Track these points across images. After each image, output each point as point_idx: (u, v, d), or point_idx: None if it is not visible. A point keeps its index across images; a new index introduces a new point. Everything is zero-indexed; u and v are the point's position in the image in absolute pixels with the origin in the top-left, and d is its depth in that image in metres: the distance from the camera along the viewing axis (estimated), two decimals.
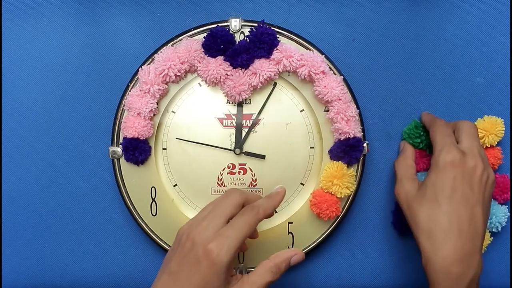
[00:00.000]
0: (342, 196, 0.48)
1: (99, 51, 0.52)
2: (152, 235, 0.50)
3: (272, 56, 0.47)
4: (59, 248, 0.54)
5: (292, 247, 0.50)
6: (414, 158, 0.49)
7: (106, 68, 0.52)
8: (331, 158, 0.49)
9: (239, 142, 0.50)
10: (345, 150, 0.48)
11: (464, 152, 0.43)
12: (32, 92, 0.52)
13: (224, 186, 0.50)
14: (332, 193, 0.48)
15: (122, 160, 0.50)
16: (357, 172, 0.50)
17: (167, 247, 0.50)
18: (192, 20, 0.51)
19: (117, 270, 0.54)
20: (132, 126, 0.48)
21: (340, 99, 0.47)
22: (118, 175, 0.50)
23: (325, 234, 0.51)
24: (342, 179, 0.48)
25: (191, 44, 0.47)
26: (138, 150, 0.48)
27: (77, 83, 0.52)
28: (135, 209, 0.50)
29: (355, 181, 0.49)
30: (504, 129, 0.50)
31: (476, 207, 0.42)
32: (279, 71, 0.48)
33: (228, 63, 0.47)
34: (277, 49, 0.47)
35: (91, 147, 0.52)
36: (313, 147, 0.50)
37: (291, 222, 0.50)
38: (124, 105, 0.49)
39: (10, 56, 0.52)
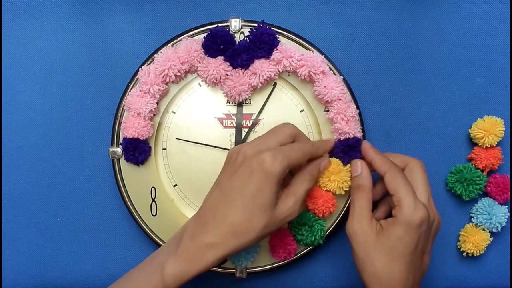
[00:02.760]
0: (343, 193, 0.47)
1: (99, 51, 0.52)
2: (152, 235, 0.50)
3: (272, 56, 0.47)
4: (59, 248, 0.54)
5: None
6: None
7: (106, 68, 0.52)
8: (330, 158, 0.49)
9: (239, 142, 0.50)
10: (345, 150, 0.48)
11: (425, 205, 0.42)
12: (32, 92, 0.52)
13: None
14: (332, 190, 0.47)
15: (122, 160, 0.50)
16: None
17: None
18: (192, 20, 0.51)
19: (117, 270, 0.54)
20: (132, 126, 0.48)
21: (340, 99, 0.47)
22: (118, 175, 0.50)
23: (325, 234, 0.51)
24: (339, 175, 0.47)
25: (191, 44, 0.47)
26: (138, 151, 0.48)
27: (77, 83, 0.52)
28: (135, 209, 0.50)
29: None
30: (504, 129, 0.50)
31: (427, 256, 0.44)
32: (279, 71, 0.48)
33: (228, 63, 0.47)
34: (277, 49, 0.47)
35: (91, 147, 0.52)
36: None
37: (291, 222, 0.50)
38: (124, 105, 0.49)
39: (10, 56, 0.52)
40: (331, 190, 0.47)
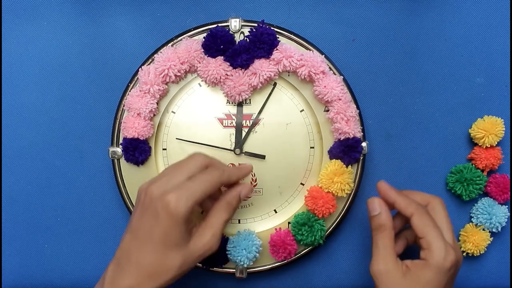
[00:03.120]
0: (344, 195, 0.48)
1: (99, 51, 0.52)
2: None
3: (272, 56, 0.47)
4: (59, 248, 0.54)
5: None
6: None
7: (106, 68, 0.52)
8: (330, 158, 0.49)
9: (239, 142, 0.50)
10: (344, 151, 0.48)
11: (453, 248, 0.42)
12: (32, 92, 0.52)
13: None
14: (333, 192, 0.48)
15: (122, 160, 0.50)
16: (357, 172, 0.50)
17: None
18: (192, 20, 0.51)
19: None
20: (132, 126, 0.48)
21: (340, 99, 0.47)
22: (118, 175, 0.50)
23: (325, 234, 0.51)
24: (342, 177, 0.47)
25: (191, 44, 0.47)
26: (138, 151, 0.48)
27: (77, 83, 0.52)
28: None
29: (354, 180, 0.49)
30: (504, 129, 0.50)
31: None
32: (279, 71, 0.48)
33: (228, 63, 0.47)
34: (277, 49, 0.47)
35: (91, 147, 0.52)
36: (313, 147, 0.50)
37: (291, 223, 0.50)
38: (124, 105, 0.49)
39: (10, 56, 0.52)
40: (333, 192, 0.47)
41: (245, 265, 0.49)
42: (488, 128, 0.50)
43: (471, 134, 0.51)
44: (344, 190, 0.47)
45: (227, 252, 0.48)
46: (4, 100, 0.52)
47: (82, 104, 0.52)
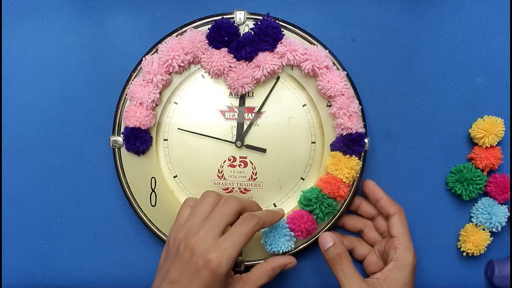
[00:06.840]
0: (349, 182, 0.48)
1: (99, 51, 0.52)
2: (151, 226, 0.50)
3: (276, 50, 0.47)
4: (59, 248, 0.54)
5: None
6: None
7: (106, 68, 0.52)
8: (332, 151, 0.49)
9: (241, 135, 0.50)
10: (348, 144, 0.48)
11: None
12: (32, 92, 0.52)
13: (225, 178, 0.50)
14: (342, 178, 0.48)
15: (123, 150, 0.50)
16: None
17: (165, 238, 0.50)
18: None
19: (117, 270, 0.54)
20: (134, 115, 0.48)
21: (343, 94, 0.47)
22: (119, 165, 0.50)
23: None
24: (349, 163, 0.48)
25: (195, 35, 0.47)
26: (139, 140, 0.48)
27: (77, 83, 0.52)
28: (135, 199, 0.50)
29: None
30: (504, 129, 0.50)
31: None
32: (282, 64, 0.48)
33: (232, 55, 0.47)
34: (281, 43, 0.47)
35: (91, 147, 0.52)
36: (314, 142, 0.50)
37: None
38: (126, 95, 0.49)
39: (10, 56, 0.52)
40: (342, 178, 0.48)
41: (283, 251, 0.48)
42: (488, 128, 0.50)
43: (471, 134, 0.51)
44: (348, 176, 0.48)
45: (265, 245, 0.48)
46: (4, 100, 0.52)
47: (82, 104, 0.52)
